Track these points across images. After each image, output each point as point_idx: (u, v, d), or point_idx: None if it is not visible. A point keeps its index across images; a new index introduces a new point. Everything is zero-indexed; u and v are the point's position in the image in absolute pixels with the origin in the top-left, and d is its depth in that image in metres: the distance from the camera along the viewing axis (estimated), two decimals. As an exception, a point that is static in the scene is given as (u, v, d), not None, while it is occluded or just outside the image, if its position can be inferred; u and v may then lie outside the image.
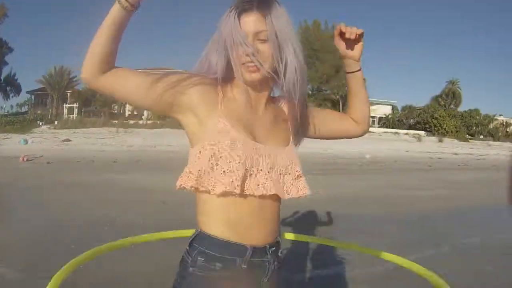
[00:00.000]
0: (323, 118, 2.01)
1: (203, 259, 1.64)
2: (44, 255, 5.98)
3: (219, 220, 1.65)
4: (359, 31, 1.89)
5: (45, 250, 6.33)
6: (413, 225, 9.68)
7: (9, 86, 68.97)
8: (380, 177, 18.25)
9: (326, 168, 19.29)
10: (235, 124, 1.65)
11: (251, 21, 1.64)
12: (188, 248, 1.70)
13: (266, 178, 1.65)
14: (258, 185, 1.63)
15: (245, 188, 1.61)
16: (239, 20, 1.63)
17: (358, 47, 1.97)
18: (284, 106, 1.91)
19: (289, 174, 1.74)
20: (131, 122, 50.65)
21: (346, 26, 1.90)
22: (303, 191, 1.76)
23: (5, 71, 68.07)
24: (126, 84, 1.67)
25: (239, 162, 1.58)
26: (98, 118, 54.91)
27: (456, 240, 8.24)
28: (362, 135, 2.15)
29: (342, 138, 2.16)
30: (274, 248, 1.76)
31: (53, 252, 6.09)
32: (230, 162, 1.58)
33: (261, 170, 1.65)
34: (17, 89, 70.82)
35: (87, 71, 1.58)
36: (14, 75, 69.81)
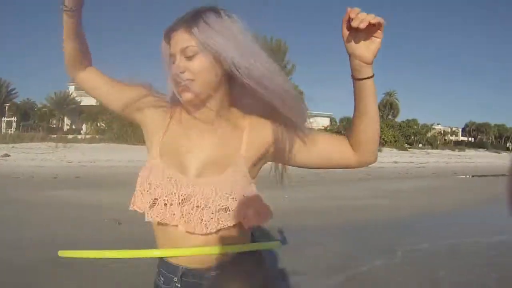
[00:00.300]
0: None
1: (157, 271, 1.86)
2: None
3: (156, 239, 1.79)
4: (375, 20, 1.48)
5: None
6: (357, 235, 9.71)
7: None
8: (319, 188, 18.49)
9: (265, 181, 19.46)
10: (164, 153, 1.73)
11: (175, 40, 1.64)
12: None
13: (178, 210, 1.66)
14: (173, 214, 1.66)
15: (157, 216, 1.67)
16: (169, 40, 1.68)
17: (372, 44, 1.58)
18: (249, 125, 1.77)
19: (209, 207, 1.64)
20: (70, 136, 50.07)
21: (358, 12, 1.49)
22: (224, 223, 1.66)
23: None
24: (97, 85, 1.87)
25: (148, 191, 1.68)
26: (37, 132, 54.06)
27: (404, 248, 8.39)
28: (362, 166, 1.80)
29: (334, 167, 1.84)
30: (214, 273, 1.72)
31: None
32: (144, 190, 1.70)
33: (173, 201, 1.66)
34: None
35: (65, 67, 1.84)
36: None
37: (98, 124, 54.87)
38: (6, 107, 65.73)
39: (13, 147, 40.85)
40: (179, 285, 1.75)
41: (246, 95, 1.72)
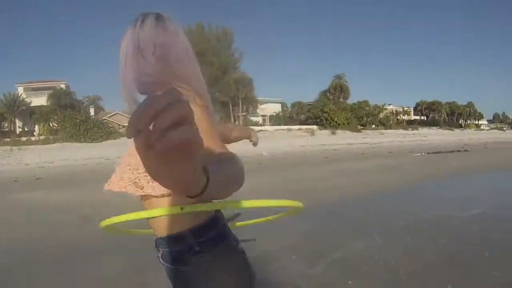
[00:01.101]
0: None
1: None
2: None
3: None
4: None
5: None
6: (326, 218, 9.43)
7: None
8: (278, 173, 18.53)
9: None
10: None
11: None
12: None
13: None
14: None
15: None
16: None
17: None
18: None
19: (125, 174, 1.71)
20: (24, 139, 49.65)
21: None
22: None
23: None
24: None
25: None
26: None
27: (384, 227, 8.30)
28: None
29: None
30: (162, 242, 1.73)
31: None
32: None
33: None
34: None
35: None
36: None
37: (51, 124, 54.41)
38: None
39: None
40: (159, 255, 1.81)
41: None
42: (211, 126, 1.61)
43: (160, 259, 1.79)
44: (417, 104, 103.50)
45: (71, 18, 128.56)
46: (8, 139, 48.53)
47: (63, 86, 67.70)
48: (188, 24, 65.25)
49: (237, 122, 63.21)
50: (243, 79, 65.04)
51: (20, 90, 67.56)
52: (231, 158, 1.50)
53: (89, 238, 7.71)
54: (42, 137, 49.53)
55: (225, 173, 1.37)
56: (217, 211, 1.73)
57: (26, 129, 62.41)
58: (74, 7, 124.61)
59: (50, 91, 64.06)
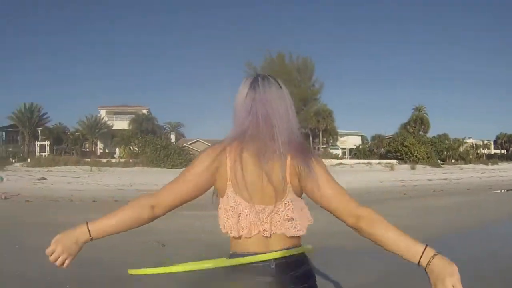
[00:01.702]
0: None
1: None
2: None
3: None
4: None
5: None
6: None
7: None
8: None
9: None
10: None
11: None
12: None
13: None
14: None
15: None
16: None
17: None
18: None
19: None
20: (104, 160, 50.63)
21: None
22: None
23: None
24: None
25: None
26: (71, 156, 54.75)
27: (472, 272, 7.42)
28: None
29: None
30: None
31: None
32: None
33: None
34: None
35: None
36: None
37: (132, 148, 55.31)
38: (39, 131, 66.96)
39: (48, 170, 41.54)
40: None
41: None
42: None
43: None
44: (497, 137, 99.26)
45: (155, 47, 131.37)
46: (89, 159, 49.55)
47: (145, 111, 69.14)
48: (269, 53, 65.22)
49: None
50: (323, 110, 64.25)
51: (102, 113, 69.58)
52: None
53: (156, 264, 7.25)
54: (122, 160, 50.41)
55: None
56: None
57: (107, 150, 63.82)
58: (159, 36, 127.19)
59: (132, 116, 65.61)
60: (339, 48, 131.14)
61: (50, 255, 1.95)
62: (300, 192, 2.08)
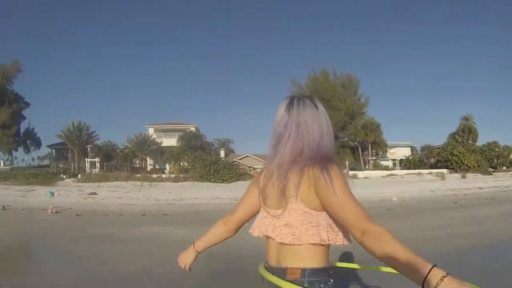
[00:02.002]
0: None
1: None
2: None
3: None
4: None
5: None
6: (455, 269, 8.55)
7: (28, 140, 70.72)
8: (406, 220, 17.15)
9: None
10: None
11: None
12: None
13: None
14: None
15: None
16: None
17: None
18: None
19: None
20: (154, 176, 51.02)
21: None
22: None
23: (24, 125, 70.26)
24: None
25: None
26: (121, 172, 55.37)
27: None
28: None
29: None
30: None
31: None
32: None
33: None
34: (37, 143, 72.68)
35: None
36: (33, 129, 71.76)
37: (181, 163, 55.66)
38: (88, 149, 68.25)
39: (99, 186, 42.01)
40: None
41: None
42: None
43: None
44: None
45: (202, 67, 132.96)
46: (139, 175, 50.00)
47: (193, 129, 69.66)
48: (313, 70, 65.18)
49: (367, 166, 61.98)
50: (371, 123, 63.44)
51: (151, 131, 70.63)
52: None
53: (207, 276, 7.43)
54: (173, 175, 50.68)
55: None
56: None
57: (157, 166, 64.44)
58: (207, 60, 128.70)
59: (180, 133, 66.09)
60: (386, 59, 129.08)
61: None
62: (315, 205, 2.16)
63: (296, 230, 2.16)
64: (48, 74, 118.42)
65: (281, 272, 2.19)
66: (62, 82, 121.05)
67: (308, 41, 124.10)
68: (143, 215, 18.99)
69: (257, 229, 2.36)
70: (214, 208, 22.98)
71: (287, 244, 2.19)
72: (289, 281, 2.14)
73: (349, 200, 2.05)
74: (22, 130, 69.62)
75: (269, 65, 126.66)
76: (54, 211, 20.23)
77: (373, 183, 38.14)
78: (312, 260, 2.18)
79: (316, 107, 2.32)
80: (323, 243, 2.16)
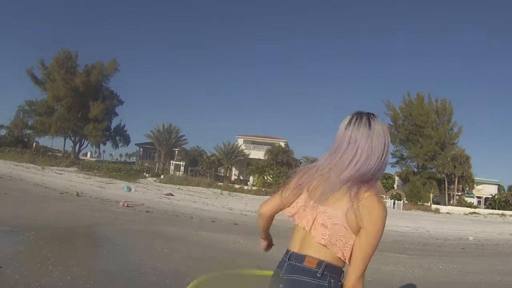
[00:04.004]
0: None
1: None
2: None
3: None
4: None
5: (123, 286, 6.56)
6: None
7: (118, 135, 74.35)
8: (481, 261, 15.73)
9: (425, 248, 17.57)
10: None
11: None
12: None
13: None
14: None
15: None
16: None
17: None
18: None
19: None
20: (237, 186, 51.31)
21: None
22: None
23: (115, 122, 74.24)
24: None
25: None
26: (204, 178, 56.03)
27: None
28: None
29: None
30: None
31: None
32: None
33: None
34: (126, 140, 76.06)
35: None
36: (124, 126, 75.43)
37: (265, 177, 55.69)
38: (176, 152, 70.13)
39: (179, 188, 42.65)
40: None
41: None
42: None
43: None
44: None
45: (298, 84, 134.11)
46: (222, 184, 50.41)
47: (282, 143, 69.71)
48: (408, 93, 63.89)
49: (451, 201, 59.30)
50: (461, 156, 61.22)
51: (240, 141, 71.42)
52: None
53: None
54: (255, 188, 50.78)
55: None
56: None
57: (241, 177, 64.75)
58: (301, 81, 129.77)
59: (269, 147, 66.21)
60: (478, 90, 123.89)
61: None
62: (352, 224, 2.22)
63: (328, 235, 2.24)
64: (145, 76, 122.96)
65: (299, 258, 2.30)
66: (158, 85, 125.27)
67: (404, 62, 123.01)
68: (213, 221, 18.95)
69: (293, 212, 2.45)
70: (287, 224, 22.68)
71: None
72: (304, 268, 2.25)
73: (372, 246, 2.21)
74: (113, 126, 73.54)
75: (364, 88, 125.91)
76: (126, 204, 20.65)
77: (453, 220, 36.70)
78: (331, 258, 2.26)
79: (369, 125, 2.36)
80: (343, 259, 2.26)
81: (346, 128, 2.36)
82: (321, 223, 2.27)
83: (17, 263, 7.06)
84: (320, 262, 2.23)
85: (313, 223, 2.30)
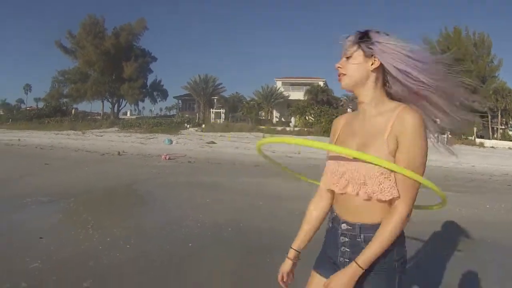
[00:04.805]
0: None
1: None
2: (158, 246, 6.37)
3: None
4: None
5: (164, 242, 6.65)
6: None
7: (155, 91, 76.69)
8: None
9: (470, 185, 16.25)
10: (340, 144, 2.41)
11: (344, 44, 2.31)
12: None
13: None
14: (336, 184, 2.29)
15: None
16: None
17: None
18: (397, 117, 2.16)
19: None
20: (279, 128, 51.18)
21: None
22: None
23: (151, 78, 76.61)
24: None
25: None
26: (245, 123, 56.04)
27: None
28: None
29: None
30: (348, 227, 2.26)
31: (169, 244, 6.50)
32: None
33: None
34: (164, 94, 78.75)
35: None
36: (160, 81, 77.82)
37: (307, 117, 55.37)
38: (215, 100, 70.57)
39: (220, 135, 42.64)
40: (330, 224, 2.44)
41: (396, 84, 2.28)
42: None
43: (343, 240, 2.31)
44: None
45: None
46: (263, 127, 50.38)
47: (321, 83, 68.62)
48: (445, 27, 61.94)
49: (495, 135, 58.24)
50: (503, 89, 59.36)
51: (278, 84, 71.17)
52: None
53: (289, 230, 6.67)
54: (297, 129, 50.65)
55: None
56: None
57: (283, 119, 64.52)
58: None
59: (308, 87, 65.33)
60: None
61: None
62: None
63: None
64: (175, 31, 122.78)
65: None
66: (191, 38, 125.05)
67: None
68: (256, 166, 18.70)
69: None
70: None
71: None
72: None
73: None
74: (149, 83, 75.69)
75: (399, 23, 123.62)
76: (167, 157, 20.72)
77: (498, 154, 35.32)
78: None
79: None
80: None
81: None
82: None
83: (56, 232, 7.06)
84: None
85: None
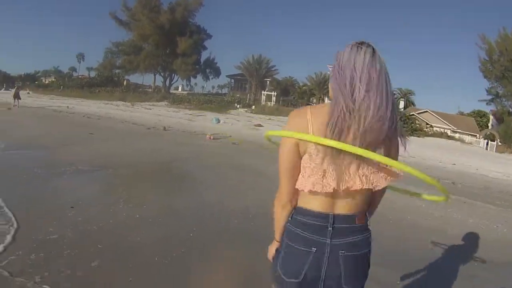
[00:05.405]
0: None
1: None
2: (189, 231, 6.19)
3: None
4: None
5: (192, 226, 6.49)
6: None
7: (208, 68, 77.03)
8: None
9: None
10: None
11: None
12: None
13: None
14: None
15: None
16: None
17: None
18: None
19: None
20: (329, 115, 51.02)
21: None
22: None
23: (205, 55, 77.07)
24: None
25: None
26: (296, 107, 55.94)
27: None
28: None
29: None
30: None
31: (197, 229, 6.34)
32: None
33: None
34: (216, 72, 78.80)
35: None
36: (214, 59, 77.99)
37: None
38: (268, 82, 70.38)
39: (269, 118, 42.57)
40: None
41: None
42: None
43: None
44: None
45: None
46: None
47: (374, 75, 67.84)
48: (504, 27, 59.87)
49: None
50: None
51: (332, 71, 69.89)
52: None
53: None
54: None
55: None
56: None
57: (335, 104, 64.39)
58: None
59: (360, 78, 64.71)
60: None
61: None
62: None
63: None
64: (232, 8, 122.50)
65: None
66: (247, 18, 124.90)
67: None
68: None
69: None
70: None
71: None
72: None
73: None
74: (202, 59, 76.13)
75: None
76: (212, 137, 20.71)
77: None
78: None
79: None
80: None
81: (374, 59, 2.14)
82: None
83: (87, 203, 7.08)
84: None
85: None
